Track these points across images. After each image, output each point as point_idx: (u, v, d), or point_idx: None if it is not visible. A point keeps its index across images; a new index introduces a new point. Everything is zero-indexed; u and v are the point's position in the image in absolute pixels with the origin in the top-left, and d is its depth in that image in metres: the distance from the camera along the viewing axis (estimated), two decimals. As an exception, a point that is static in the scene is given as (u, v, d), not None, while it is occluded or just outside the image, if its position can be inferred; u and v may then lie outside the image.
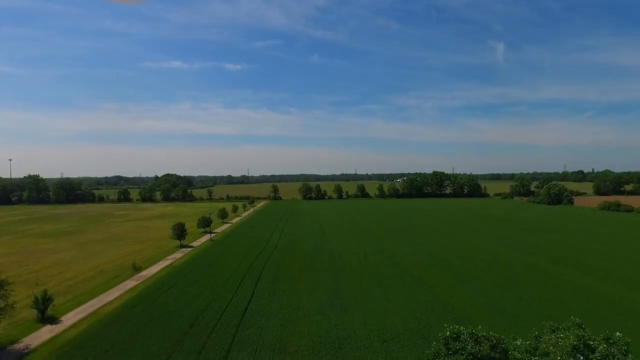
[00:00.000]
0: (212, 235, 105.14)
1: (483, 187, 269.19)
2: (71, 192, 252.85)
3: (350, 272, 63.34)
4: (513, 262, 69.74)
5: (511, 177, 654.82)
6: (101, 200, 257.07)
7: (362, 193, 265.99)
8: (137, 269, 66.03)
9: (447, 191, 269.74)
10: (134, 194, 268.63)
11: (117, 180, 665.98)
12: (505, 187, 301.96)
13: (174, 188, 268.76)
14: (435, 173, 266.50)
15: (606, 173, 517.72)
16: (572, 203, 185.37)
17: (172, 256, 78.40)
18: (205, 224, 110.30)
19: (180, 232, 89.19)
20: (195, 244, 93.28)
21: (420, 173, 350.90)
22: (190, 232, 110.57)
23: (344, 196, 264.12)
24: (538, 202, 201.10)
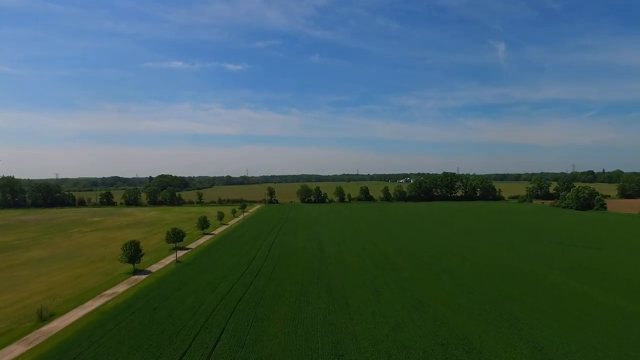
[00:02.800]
0: (182, 254, 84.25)
1: (497, 190, 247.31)
2: (49, 195, 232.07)
3: (358, 328, 42.05)
4: (608, 311, 48.36)
5: (517, 177, 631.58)
6: (82, 204, 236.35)
7: (366, 196, 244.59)
8: (43, 319, 44.92)
9: (458, 194, 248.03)
10: (118, 197, 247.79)
11: (114, 181, 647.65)
12: (516, 188, 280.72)
13: (162, 191, 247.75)
14: (445, 174, 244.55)
15: (618, 173, 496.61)
16: (606, 208, 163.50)
17: (112, 290, 57.31)
18: (175, 238, 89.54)
19: (133, 253, 68.13)
20: (154, 267, 72.25)
21: (424, 173, 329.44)
22: (156, 249, 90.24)
23: (346, 199, 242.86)
24: (564, 207, 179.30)
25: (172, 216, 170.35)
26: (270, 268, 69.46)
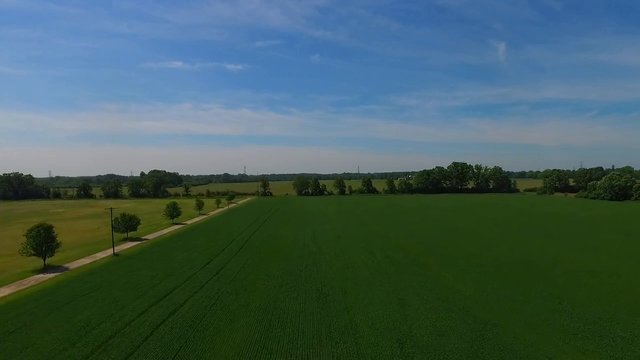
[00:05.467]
0: (130, 245, 63.60)
1: (513, 182, 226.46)
2: (20, 187, 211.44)
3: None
4: None
5: (521, 175, 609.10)
6: (57, 196, 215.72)
7: (369, 188, 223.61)
8: None
9: (470, 186, 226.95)
10: (97, 190, 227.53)
11: (109, 179, 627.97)
12: (525, 183, 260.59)
13: (144, 183, 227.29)
14: (455, 164, 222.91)
15: (628, 169, 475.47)
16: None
17: (-20, 297, 36.39)
18: (126, 227, 69.11)
19: (42, 242, 47.26)
20: (80, 262, 51.30)
21: (426, 170, 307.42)
22: (102, 240, 69.59)
23: (347, 192, 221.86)
24: (593, 198, 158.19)
25: (149, 207, 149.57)
26: (240, 264, 48.54)
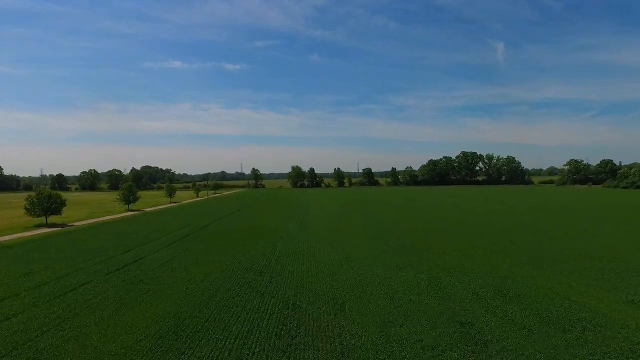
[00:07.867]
0: (43, 231, 45.13)
1: (527, 173, 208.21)
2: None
3: None
4: None
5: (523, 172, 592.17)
6: (28, 188, 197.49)
7: (370, 180, 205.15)
8: None
9: (479, 178, 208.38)
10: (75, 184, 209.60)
11: (101, 177, 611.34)
12: (534, 178, 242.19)
13: (123, 175, 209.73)
14: (464, 154, 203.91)
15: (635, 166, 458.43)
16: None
17: None
18: (44, 209, 51.17)
19: None
20: None
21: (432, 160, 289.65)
22: (10, 227, 51.00)
23: (347, 184, 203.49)
24: (624, 187, 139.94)
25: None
26: (171, 255, 29.82)
